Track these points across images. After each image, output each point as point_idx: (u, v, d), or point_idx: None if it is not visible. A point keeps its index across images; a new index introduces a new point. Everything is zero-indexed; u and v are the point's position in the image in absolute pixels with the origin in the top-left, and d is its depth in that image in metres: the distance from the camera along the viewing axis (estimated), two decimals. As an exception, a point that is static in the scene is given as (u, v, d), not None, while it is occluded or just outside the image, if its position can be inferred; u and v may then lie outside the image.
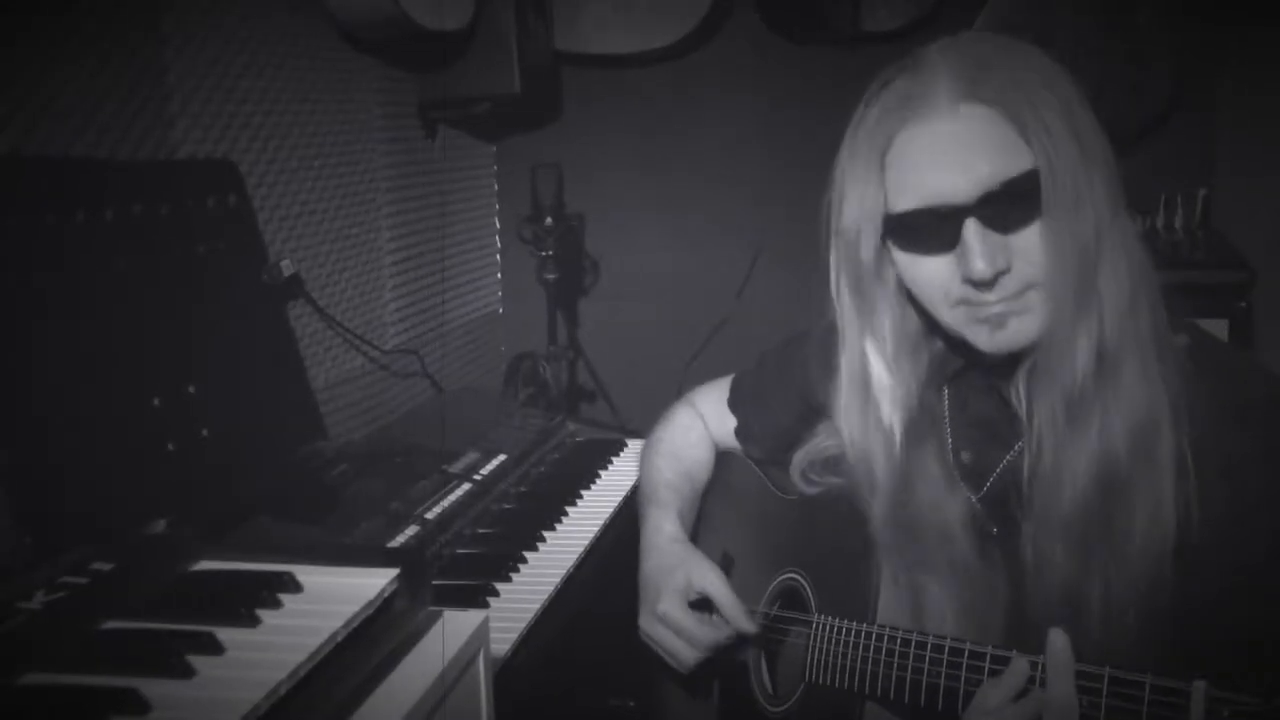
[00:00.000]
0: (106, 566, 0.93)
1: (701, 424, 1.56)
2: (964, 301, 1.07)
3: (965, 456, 1.20)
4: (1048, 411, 1.08)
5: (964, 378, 1.20)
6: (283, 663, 0.78)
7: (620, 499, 1.71)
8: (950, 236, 1.05)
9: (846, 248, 1.14)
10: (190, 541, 1.02)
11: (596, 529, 1.59)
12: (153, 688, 0.75)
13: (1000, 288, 1.04)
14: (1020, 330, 1.06)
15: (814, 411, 1.33)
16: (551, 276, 2.42)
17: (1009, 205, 1.03)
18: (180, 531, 1.26)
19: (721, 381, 1.55)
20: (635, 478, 1.78)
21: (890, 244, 1.10)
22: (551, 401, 2.41)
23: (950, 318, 1.09)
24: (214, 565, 0.97)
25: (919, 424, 1.19)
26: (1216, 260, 2.23)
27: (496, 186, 2.79)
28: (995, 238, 1.03)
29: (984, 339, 1.08)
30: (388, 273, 2.23)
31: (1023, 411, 1.14)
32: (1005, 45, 1.08)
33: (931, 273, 1.08)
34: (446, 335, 2.51)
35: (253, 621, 0.86)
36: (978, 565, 1.16)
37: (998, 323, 1.06)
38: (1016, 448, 1.16)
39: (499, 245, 2.81)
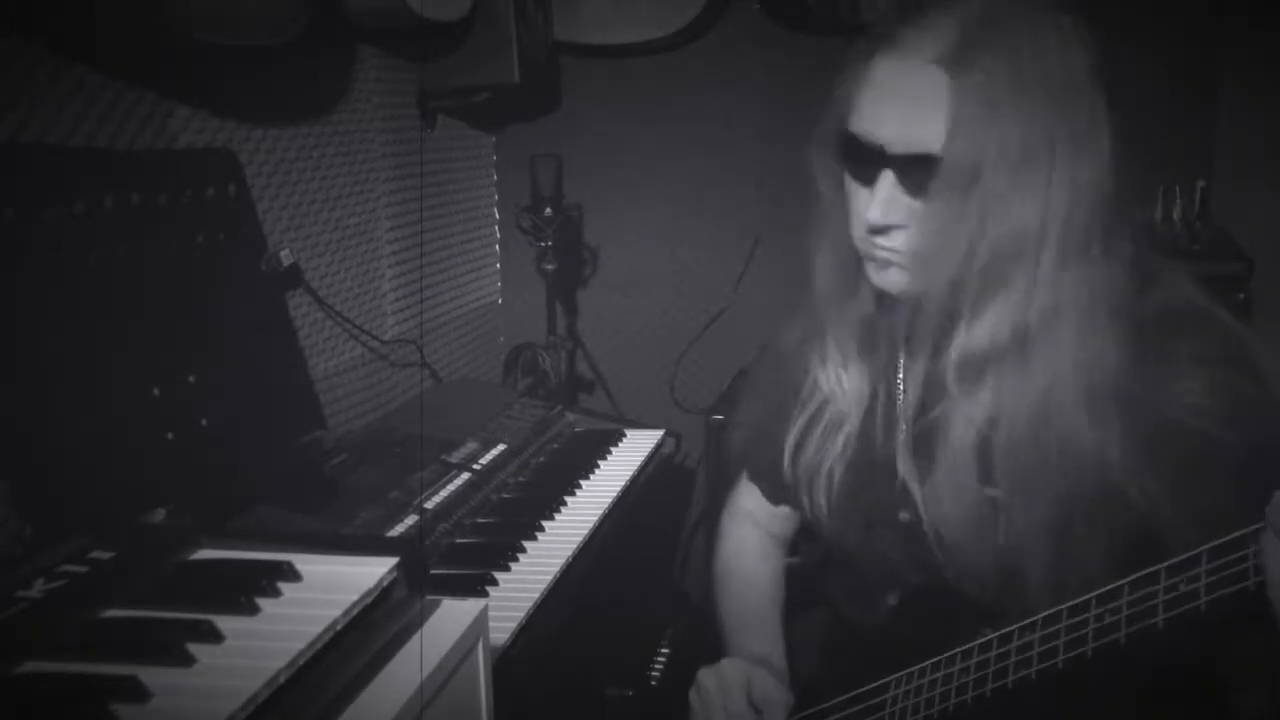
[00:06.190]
0: (106, 555, 0.93)
1: (751, 524, 1.56)
2: (862, 237, 1.17)
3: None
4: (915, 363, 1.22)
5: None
6: (282, 651, 0.79)
7: (619, 488, 1.71)
8: (873, 174, 1.12)
9: (824, 150, 1.21)
10: (189, 530, 1.02)
11: (596, 519, 1.60)
12: (153, 676, 0.75)
13: (891, 239, 1.14)
14: (897, 279, 1.17)
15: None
16: (550, 267, 2.41)
17: (922, 173, 1.09)
18: (180, 520, 1.26)
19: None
20: (634, 468, 1.79)
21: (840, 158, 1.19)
22: (550, 391, 2.41)
23: (859, 245, 1.19)
24: (213, 554, 0.97)
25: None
26: (1215, 252, 2.23)
27: (495, 177, 2.78)
28: (902, 195, 1.11)
29: (873, 274, 1.20)
30: (387, 263, 2.23)
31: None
32: (1024, 19, 1.08)
33: (855, 197, 1.17)
34: (445, 325, 2.51)
35: (252, 610, 0.86)
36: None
37: (883, 264, 1.17)
38: None
39: (498, 235, 2.81)
